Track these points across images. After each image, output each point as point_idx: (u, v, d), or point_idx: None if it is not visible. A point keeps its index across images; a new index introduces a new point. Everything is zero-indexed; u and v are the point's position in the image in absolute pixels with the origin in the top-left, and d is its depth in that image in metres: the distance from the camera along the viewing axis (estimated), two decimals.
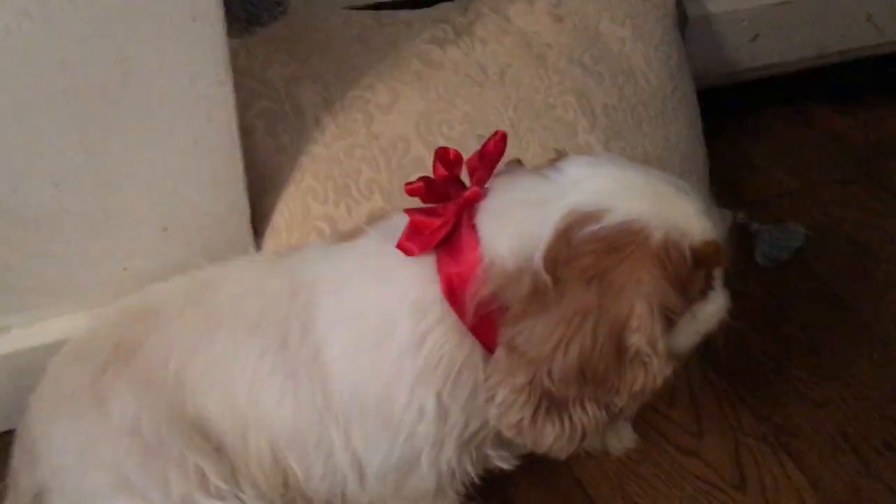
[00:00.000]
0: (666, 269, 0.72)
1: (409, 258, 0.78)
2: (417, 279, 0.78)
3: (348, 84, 1.12)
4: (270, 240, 1.08)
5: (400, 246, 0.78)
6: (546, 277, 0.72)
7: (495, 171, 0.81)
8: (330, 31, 1.15)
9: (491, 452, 0.86)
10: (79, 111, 0.86)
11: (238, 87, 1.01)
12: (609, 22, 1.23)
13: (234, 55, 1.06)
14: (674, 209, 0.74)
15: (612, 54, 1.23)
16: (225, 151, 0.96)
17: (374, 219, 0.89)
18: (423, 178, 0.80)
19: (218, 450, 0.85)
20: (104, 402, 0.85)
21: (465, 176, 0.83)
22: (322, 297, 0.84)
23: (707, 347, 0.82)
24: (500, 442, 0.85)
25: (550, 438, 0.75)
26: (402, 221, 0.81)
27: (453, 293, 0.77)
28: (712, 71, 1.49)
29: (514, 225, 0.75)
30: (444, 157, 0.81)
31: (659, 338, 0.72)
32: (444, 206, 0.79)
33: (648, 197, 0.74)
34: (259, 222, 1.09)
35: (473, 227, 0.77)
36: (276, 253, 1.01)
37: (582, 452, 1.06)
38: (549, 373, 0.72)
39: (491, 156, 0.80)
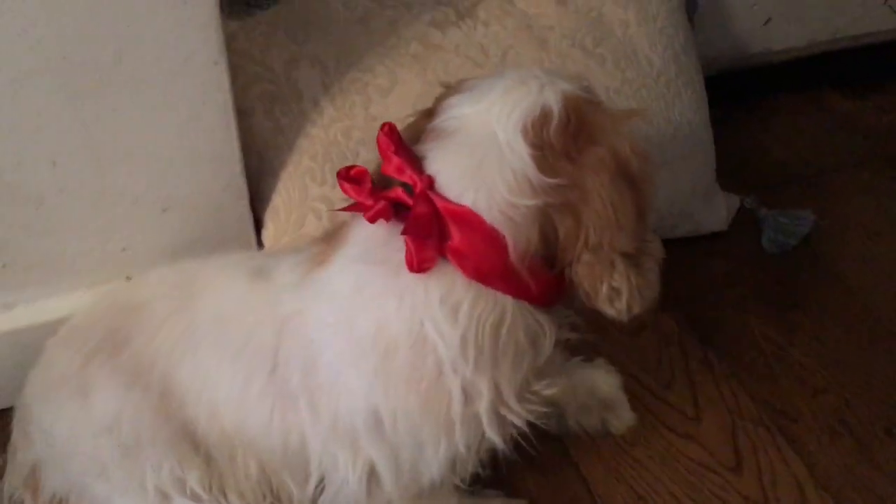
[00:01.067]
0: (599, 103, 0.82)
1: (401, 271, 0.77)
2: (432, 281, 0.77)
3: (347, 66, 1.12)
4: (270, 221, 1.10)
5: (419, 269, 0.77)
6: (558, 181, 0.77)
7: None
8: (330, 14, 1.16)
9: (537, 387, 0.85)
10: (73, 89, 0.87)
11: (237, 70, 1.02)
12: (612, 4, 1.22)
13: (232, 37, 1.08)
14: (556, 70, 0.84)
15: (614, 37, 1.22)
16: (221, 132, 0.97)
17: (329, 237, 0.87)
18: (381, 200, 0.78)
19: (207, 460, 0.86)
20: (88, 393, 0.86)
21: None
22: (320, 331, 0.82)
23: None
24: (538, 372, 0.85)
25: (657, 282, 0.83)
26: (361, 234, 0.81)
27: (490, 272, 0.77)
28: (724, 55, 1.48)
29: (493, 174, 0.76)
30: (348, 177, 0.80)
31: (641, 145, 0.80)
32: (417, 213, 0.77)
33: (544, 77, 0.80)
34: (259, 203, 1.10)
35: (457, 205, 0.77)
36: (260, 259, 0.96)
37: (582, 433, 1.06)
38: (628, 237, 0.78)
39: (400, 147, 0.79)
